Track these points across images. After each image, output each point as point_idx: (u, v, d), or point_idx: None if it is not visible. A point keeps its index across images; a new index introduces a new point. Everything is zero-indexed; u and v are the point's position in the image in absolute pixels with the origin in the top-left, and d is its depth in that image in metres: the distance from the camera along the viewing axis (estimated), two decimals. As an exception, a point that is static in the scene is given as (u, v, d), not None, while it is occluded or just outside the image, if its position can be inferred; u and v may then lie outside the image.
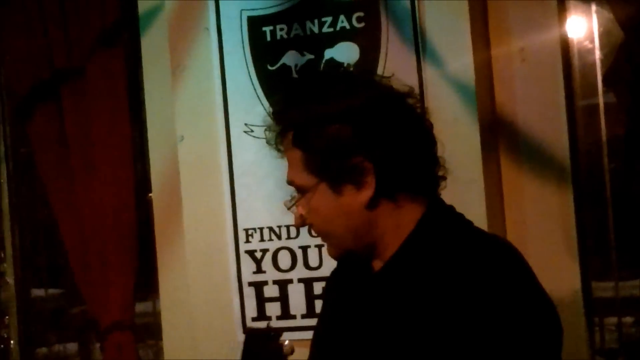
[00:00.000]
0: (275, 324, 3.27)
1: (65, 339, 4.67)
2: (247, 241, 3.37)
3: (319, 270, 3.27)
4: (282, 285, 3.34)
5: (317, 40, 3.30)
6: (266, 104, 3.33)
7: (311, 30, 3.31)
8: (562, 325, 1.67)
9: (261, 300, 3.36)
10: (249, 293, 3.38)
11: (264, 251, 3.36)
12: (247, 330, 2.09)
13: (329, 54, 3.29)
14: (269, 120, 1.80)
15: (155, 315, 3.91)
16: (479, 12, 3.25)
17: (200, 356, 3.44)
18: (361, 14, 3.25)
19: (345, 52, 3.27)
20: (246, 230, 3.38)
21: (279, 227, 3.33)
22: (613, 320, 3.53)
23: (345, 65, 3.25)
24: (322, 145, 1.69)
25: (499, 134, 3.31)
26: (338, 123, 1.69)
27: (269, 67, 3.36)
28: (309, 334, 1.93)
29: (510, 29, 3.29)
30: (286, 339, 1.88)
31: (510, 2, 3.29)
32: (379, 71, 3.15)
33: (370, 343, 1.71)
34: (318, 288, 3.25)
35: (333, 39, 3.28)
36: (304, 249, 3.30)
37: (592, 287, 3.34)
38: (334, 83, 1.79)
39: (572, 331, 2.58)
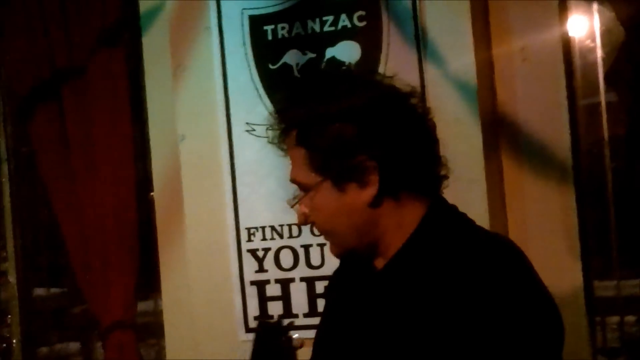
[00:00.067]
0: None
1: (67, 338, 4.67)
2: (249, 240, 3.37)
3: (321, 269, 3.27)
4: (284, 284, 3.34)
5: (318, 39, 3.30)
6: (267, 102, 3.33)
7: (312, 29, 3.31)
8: (563, 324, 1.67)
9: (263, 299, 3.36)
10: (251, 292, 3.38)
11: (266, 250, 3.36)
12: (257, 324, 2.10)
13: (330, 52, 3.29)
14: (271, 119, 1.80)
15: (157, 314, 3.91)
16: (480, 11, 3.25)
17: (202, 355, 3.44)
18: (362, 12, 3.25)
19: (347, 51, 3.27)
20: (248, 229, 3.38)
21: (281, 226, 3.33)
22: (615, 319, 3.54)
23: (346, 64, 3.25)
24: (326, 143, 1.69)
25: (500, 133, 3.31)
26: (342, 121, 1.69)
27: (270, 66, 3.36)
28: (311, 333, 1.93)
29: (512, 28, 3.29)
30: (296, 333, 1.88)
31: (511, 2, 3.29)
32: (380, 70, 3.15)
33: (373, 341, 1.71)
34: (320, 287, 3.25)
35: (334, 38, 3.28)
36: (306, 247, 3.30)
37: (594, 286, 3.35)
38: (338, 82, 1.80)
39: (573, 330, 2.57)
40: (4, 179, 4.32)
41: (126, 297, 3.91)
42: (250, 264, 3.38)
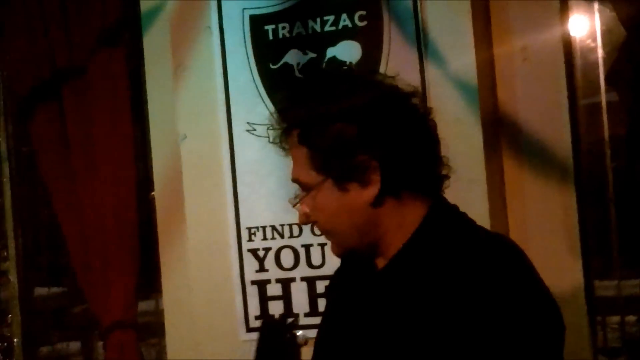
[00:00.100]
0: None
1: (68, 337, 4.68)
2: (250, 240, 3.37)
3: (321, 268, 3.27)
4: (285, 283, 3.34)
5: (319, 39, 3.30)
6: (268, 102, 3.33)
7: (313, 29, 3.31)
8: (564, 323, 1.68)
9: (264, 299, 3.36)
10: (252, 292, 3.38)
11: (267, 250, 3.36)
12: (262, 321, 2.11)
13: (331, 52, 3.29)
14: (272, 118, 1.80)
15: (158, 313, 3.91)
16: (481, 11, 3.25)
17: (203, 355, 3.44)
18: (363, 12, 3.25)
19: (348, 51, 3.27)
20: (249, 228, 3.38)
21: (282, 225, 3.33)
22: (615, 319, 3.54)
23: (347, 64, 3.25)
24: (328, 142, 1.70)
25: (501, 133, 3.31)
26: (344, 121, 1.69)
27: (271, 66, 3.36)
28: (312, 333, 1.93)
29: (513, 28, 3.29)
30: (300, 330, 1.89)
31: (512, 1, 3.29)
32: (381, 70, 3.15)
33: (374, 341, 1.71)
34: (321, 286, 3.25)
35: (335, 38, 3.28)
36: (307, 247, 3.30)
37: (595, 285, 3.35)
38: (340, 81, 1.80)
39: (574, 330, 2.56)
40: (4, 179, 4.32)
41: (127, 297, 3.91)
42: (251, 264, 3.38)
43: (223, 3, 3.42)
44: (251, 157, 3.36)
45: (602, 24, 3.44)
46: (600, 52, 3.42)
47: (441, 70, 3.15)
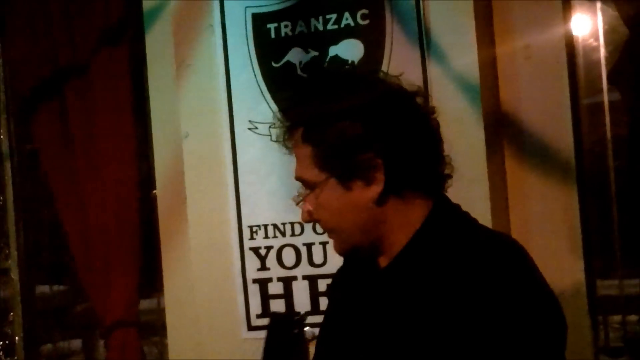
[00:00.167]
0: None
1: (70, 336, 4.68)
2: (252, 238, 3.37)
3: (323, 267, 3.27)
4: (287, 282, 3.34)
5: (321, 38, 3.30)
6: (270, 101, 3.33)
7: (315, 28, 3.31)
8: (566, 322, 1.68)
9: (265, 298, 3.36)
10: (254, 290, 3.38)
11: (269, 248, 3.36)
12: (271, 314, 2.12)
13: (333, 51, 3.29)
14: (275, 117, 1.81)
15: (160, 312, 3.91)
16: (483, 10, 3.25)
17: (204, 353, 3.44)
18: (366, 11, 3.25)
19: (350, 50, 3.27)
20: (250, 227, 3.38)
21: (284, 224, 3.33)
22: (617, 318, 3.54)
23: (349, 62, 3.25)
24: (332, 141, 1.70)
25: (503, 132, 3.30)
26: (349, 119, 1.70)
27: (274, 64, 3.36)
28: (318, 330, 1.94)
29: (515, 26, 3.29)
30: (307, 325, 1.89)
31: (514, 0, 3.29)
32: (383, 69, 3.15)
33: (377, 339, 1.72)
34: (322, 285, 3.25)
35: (337, 36, 3.28)
36: (309, 246, 3.30)
37: (597, 285, 3.35)
38: (344, 79, 1.81)
39: (576, 329, 2.57)
40: (6, 177, 4.32)
41: (128, 295, 3.92)
42: (252, 262, 3.38)
43: (225, 1, 3.41)
44: (253, 155, 3.36)
45: (605, 23, 3.44)
46: (602, 52, 3.42)
47: (443, 69, 3.15)
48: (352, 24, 3.26)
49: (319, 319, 1.96)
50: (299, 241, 3.32)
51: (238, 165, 3.39)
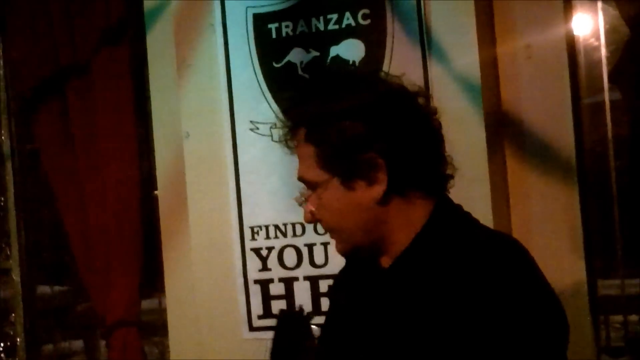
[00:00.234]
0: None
1: (71, 336, 4.68)
2: (253, 239, 3.37)
3: (324, 267, 3.27)
4: (288, 282, 3.34)
5: (322, 38, 3.30)
6: (271, 101, 3.33)
7: (316, 28, 3.31)
8: (568, 322, 1.68)
9: (267, 298, 3.36)
10: (255, 291, 3.38)
11: (270, 249, 3.36)
12: (280, 311, 2.13)
13: (334, 51, 3.28)
14: (277, 117, 1.81)
15: (161, 312, 3.91)
16: (484, 9, 3.25)
17: (206, 353, 3.45)
18: (367, 11, 3.25)
19: (351, 50, 3.27)
20: (252, 227, 3.38)
21: (285, 224, 3.33)
22: (618, 318, 3.54)
23: (350, 62, 3.25)
24: (335, 141, 1.71)
25: (504, 132, 3.30)
26: (352, 119, 1.70)
27: (275, 64, 3.36)
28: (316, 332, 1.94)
29: (516, 26, 3.29)
30: (316, 322, 1.90)
31: (516, 0, 3.28)
32: (385, 68, 3.15)
33: (380, 339, 1.72)
34: (324, 286, 3.25)
35: (338, 36, 3.28)
36: (310, 246, 3.30)
37: (598, 285, 3.35)
38: (346, 79, 1.81)
39: (577, 329, 2.57)
40: (8, 177, 4.32)
41: (130, 295, 3.91)
42: (253, 263, 3.38)
43: (226, 1, 3.41)
44: (254, 155, 3.36)
45: (606, 22, 3.44)
46: (603, 51, 3.41)
47: (444, 69, 3.15)
48: (353, 24, 3.26)
49: (320, 319, 1.96)
50: (300, 242, 3.32)
51: (239, 166, 3.39)
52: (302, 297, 3.31)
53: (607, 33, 3.43)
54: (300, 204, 1.80)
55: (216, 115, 3.43)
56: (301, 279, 3.33)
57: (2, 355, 4.30)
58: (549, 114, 3.26)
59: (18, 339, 4.30)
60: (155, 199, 3.82)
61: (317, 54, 3.30)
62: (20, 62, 4.15)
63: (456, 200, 1.81)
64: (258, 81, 3.37)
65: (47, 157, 4.13)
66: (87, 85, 3.95)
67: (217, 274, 3.45)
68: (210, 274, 3.46)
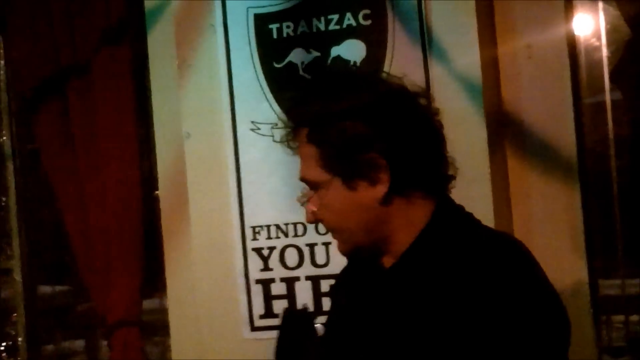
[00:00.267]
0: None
1: (72, 336, 4.68)
2: (254, 239, 3.37)
3: (326, 267, 3.27)
4: (289, 282, 3.34)
5: (323, 38, 3.30)
6: (272, 101, 3.33)
7: (317, 28, 3.31)
8: (569, 322, 1.68)
9: (268, 298, 3.36)
10: (256, 291, 3.38)
11: (271, 249, 3.36)
12: (283, 311, 2.13)
13: (335, 51, 3.29)
14: (278, 117, 1.82)
15: (162, 312, 3.91)
16: (485, 9, 3.25)
17: (207, 353, 3.45)
18: (368, 11, 3.25)
19: (352, 50, 3.27)
20: (253, 227, 3.38)
21: (286, 224, 3.33)
22: (620, 318, 3.53)
23: (351, 62, 3.25)
24: (337, 141, 1.71)
25: (505, 132, 3.30)
26: (354, 119, 1.71)
27: (276, 65, 3.36)
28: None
29: (517, 26, 3.29)
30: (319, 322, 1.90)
31: (516, 0, 3.28)
32: (386, 69, 3.16)
33: (382, 339, 1.72)
34: (325, 286, 3.25)
35: (339, 37, 3.28)
36: (311, 246, 3.30)
37: (599, 284, 3.35)
38: (348, 80, 1.82)
39: (578, 329, 2.57)
40: (9, 177, 4.32)
41: (131, 295, 3.91)
42: (255, 263, 3.38)
43: (227, 1, 3.41)
44: (255, 155, 3.36)
45: (607, 22, 3.44)
46: (604, 51, 3.41)
47: (445, 69, 3.15)
48: (354, 24, 3.26)
49: (321, 319, 1.96)
50: (301, 242, 3.32)
51: (240, 166, 3.39)
52: (304, 297, 3.32)
53: (608, 33, 3.43)
54: (302, 204, 1.81)
55: (217, 115, 3.43)
56: (303, 278, 3.33)
57: (4, 355, 4.30)
58: (550, 113, 3.26)
59: (19, 339, 4.30)
60: (156, 199, 3.82)
61: (318, 54, 3.30)
62: (21, 62, 4.15)
63: (457, 200, 1.81)
64: (259, 81, 3.37)
65: (48, 157, 4.12)
66: (87, 85, 3.95)
67: (218, 273, 3.45)
68: (211, 274, 3.47)
